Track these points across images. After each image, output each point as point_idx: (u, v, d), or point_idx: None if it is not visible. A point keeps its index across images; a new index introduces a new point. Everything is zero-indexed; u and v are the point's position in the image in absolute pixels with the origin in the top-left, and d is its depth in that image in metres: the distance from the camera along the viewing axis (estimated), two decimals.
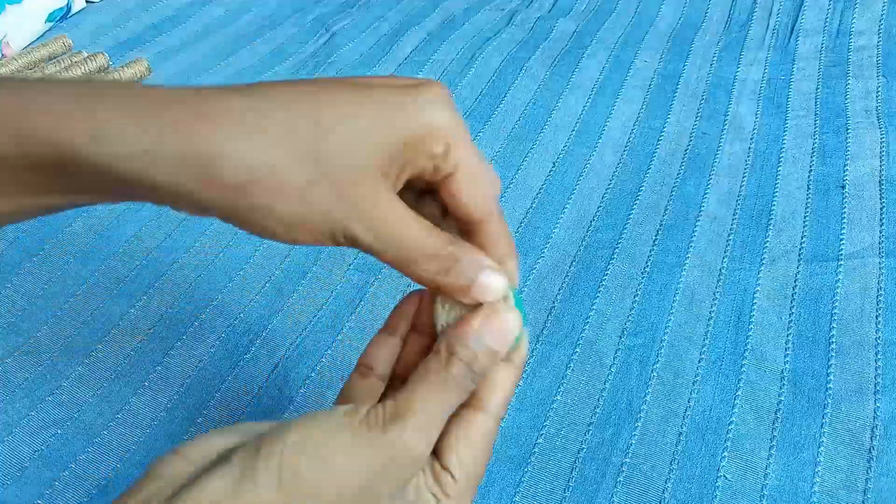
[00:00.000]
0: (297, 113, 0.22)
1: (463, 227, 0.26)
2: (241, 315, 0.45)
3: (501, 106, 0.63)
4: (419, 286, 0.26)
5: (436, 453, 0.25)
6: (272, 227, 0.23)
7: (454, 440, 0.25)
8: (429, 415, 0.23)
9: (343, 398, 0.29)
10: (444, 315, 0.26)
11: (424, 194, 0.27)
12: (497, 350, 0.25)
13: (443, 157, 0.24)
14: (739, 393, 0.40)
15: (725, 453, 0.38)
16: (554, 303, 0.46)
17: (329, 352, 0.43)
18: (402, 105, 0.23)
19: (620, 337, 0.43)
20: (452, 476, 0.25)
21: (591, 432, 0.39)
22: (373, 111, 0.23)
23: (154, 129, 0.21)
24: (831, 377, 0.41)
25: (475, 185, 0.25)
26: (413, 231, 0.24)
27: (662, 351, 0.43)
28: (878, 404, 0.39)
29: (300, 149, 0.22)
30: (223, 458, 0.22)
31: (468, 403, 0.26)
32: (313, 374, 0.42)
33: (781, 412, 0.39)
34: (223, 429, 0.24)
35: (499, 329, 0.25)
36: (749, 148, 0.57)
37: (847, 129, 0.58)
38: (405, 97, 0.23)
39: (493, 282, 0.25)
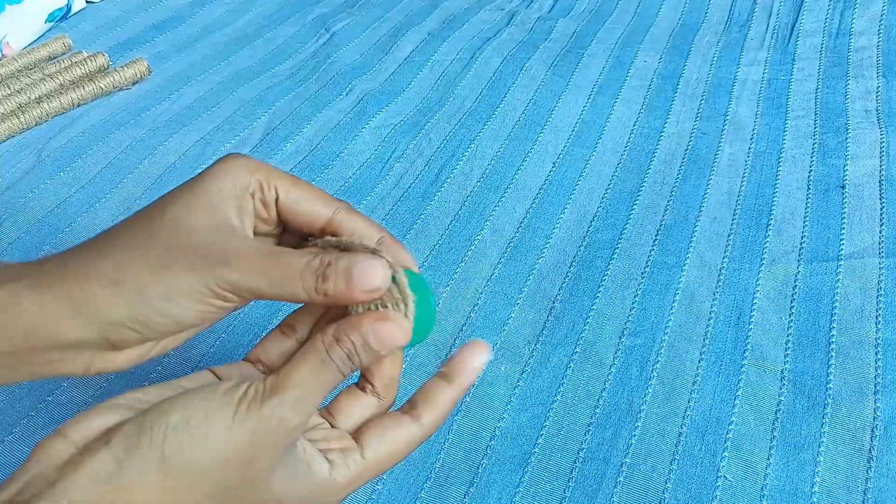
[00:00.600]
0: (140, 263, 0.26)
1: (321, 231, 0.28)
2: (242, 315, 0.45)
3: (501, 106, 0.63)
4: None
5: (358, 432, 0.27)
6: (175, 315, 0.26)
7: (381, 430, 0.27)
8: (305, 390, 0.24)
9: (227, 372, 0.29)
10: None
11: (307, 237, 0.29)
12: (378, 350, 0.26)
13: (261, 192, 0.27)
14: (739, 393, 0.40)
15: (725, 453, 0.38)
16: (554, 303, 0.46)
17: None
18: (217, 187, 0.26)
19: (620, 337, 0.43)
20: (362, 455, 0.26)
21: (591, 432, 0.39)
22: (189, 200, 0.26)
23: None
24: (831, 377, 0.41)
25: (302, 199, 0.27)
26: (275, 258, 0.26)
27: (662, 351, 0.43)
28: (878, 404, 0.39)
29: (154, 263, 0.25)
30: (104, 438, 0.23)
31: (407, 411, 0.28)
32: None
33: (781, 412, 0.39)
34: (104, 404, 0.24)
35: (383, 335, 0.25)
36: (749, 148, 0.57)
37: (847, 129, 0.58)
38: (203, 177, 0.27)
39: (369, 267, 0.25)
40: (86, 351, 0.26)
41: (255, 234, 0.28)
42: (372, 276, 0.25)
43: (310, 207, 0.27)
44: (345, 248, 0.26)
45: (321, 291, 0.25)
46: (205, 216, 0.26)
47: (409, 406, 0.28)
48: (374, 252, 0.26)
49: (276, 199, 0.27)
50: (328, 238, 0.27)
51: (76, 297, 0.25)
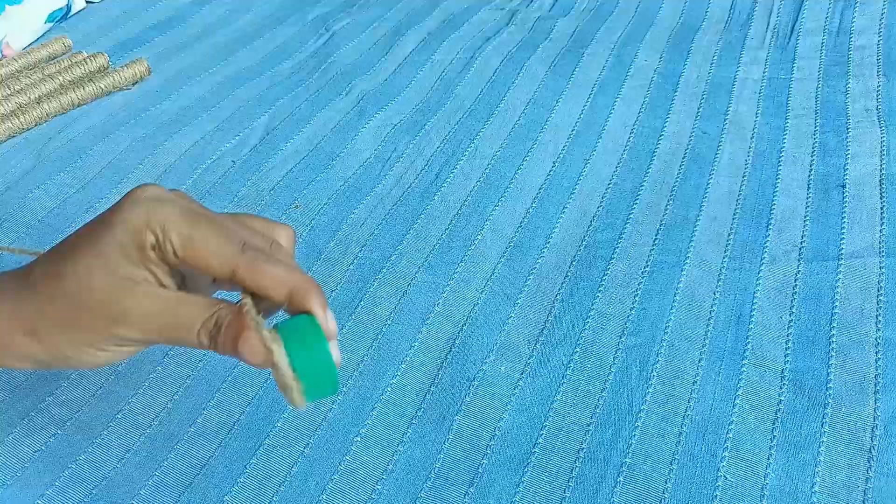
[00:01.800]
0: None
1: (224, 278, 0.28)
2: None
3: (501, 106, 0.63)
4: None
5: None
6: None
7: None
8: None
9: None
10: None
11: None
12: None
13: (161, 242, 0.27)
14: (739, 393, 0.40)
15: (725, 453, 0.38)
16: (554, 303, 0.46)
17: None
18: (105, 233, 0.27)
19: (620, 337, 0.43)
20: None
21: (591, 432, 0.39)
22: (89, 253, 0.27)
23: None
24: (831, 377, 0.41)
25: (200, 253, 0.27)
26: (171, 314, 0.27)
27: (662, 351, 0.42)
28: (878, 404, 0.39)
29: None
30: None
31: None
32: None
33: (781, 412, 0.39)
34: None
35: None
36: (749, 148, 0.57)
37: (847, 129, 0.58)
38: (106, 228, 0.27)
39: (250, 345, 0.26)
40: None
41: (171, 275, 0.28)
42: (253, 353, 0.26)
43: (207, 263, 0.27)
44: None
45: (213, 347, 0.27)
46: (104, 274, 0.27)
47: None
48: (265, 326, 0.26)
49: (174, 251, 0.27)
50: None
51: (3, 340, 0.28)
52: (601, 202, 0.53)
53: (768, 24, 0.73)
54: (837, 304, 0.45)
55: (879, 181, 0.53)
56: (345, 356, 0.43)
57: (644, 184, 0.54)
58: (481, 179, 0.55)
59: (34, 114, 0.61)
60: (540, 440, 0.39)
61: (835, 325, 0.43)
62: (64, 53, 0.70)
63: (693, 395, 0.40)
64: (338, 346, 0.28)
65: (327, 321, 0.27)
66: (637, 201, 0.53)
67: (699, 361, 0.42)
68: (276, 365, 0.26)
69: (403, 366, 0.42)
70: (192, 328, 0.27)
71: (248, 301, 0.26)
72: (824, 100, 0.62)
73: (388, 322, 0.44)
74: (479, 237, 0.50)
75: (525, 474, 0.37)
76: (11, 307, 0.28)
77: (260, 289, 0.27)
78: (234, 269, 0.27)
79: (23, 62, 0.66)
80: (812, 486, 0.36)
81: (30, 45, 0.70)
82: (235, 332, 0.26)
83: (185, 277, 0.30)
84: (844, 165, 0.55)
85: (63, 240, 0.29)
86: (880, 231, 0.49)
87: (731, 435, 0.38)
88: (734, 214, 0.51)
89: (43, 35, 0.72)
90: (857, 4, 0.73)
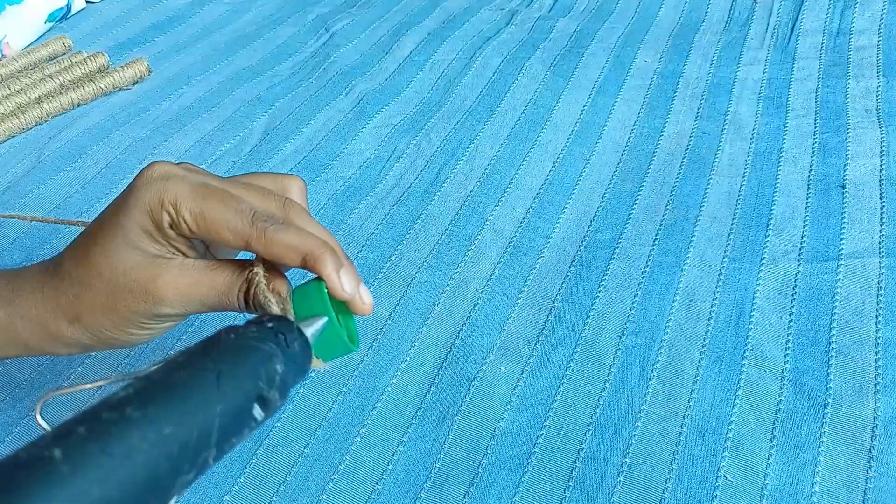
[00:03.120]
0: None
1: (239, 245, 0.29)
2: (241, 315, 0.45)
3: (501, 106, 0.63)
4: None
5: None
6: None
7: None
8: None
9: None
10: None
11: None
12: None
13: (175, 218, 0.27)
14: (739, 393, 0.40)
15: (725, 453, 0.38)
16: (554, 303, 0.46)
17: None
18: (126, 219, 0.28)
19: (620, 337, 0.43)
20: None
21: (591, 432, 0.39)
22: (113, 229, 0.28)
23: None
24: (831, 377, 0.41)
25: (212, 227, 0.27)
26: (204, 283, 0.28)
27: (662, 351, 0.42)
28: (878, 404, 0.39)
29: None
30: None
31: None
32: (313, 374, 0.42)
33: (781, 412, 0.39)
34: None
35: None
36: (749, 148, 0.57)
37: (847, 129, 0.58)
38: (124, 210, 0.28)
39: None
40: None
41: (195, 246, 0.29)
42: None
43: (220, 237, 0.27)
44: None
45: (250, 310, 0.28)
46: (135, 255, 0.28)
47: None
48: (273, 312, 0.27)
49: (189, 226, 0.27)
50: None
51: (50, 330, 0.29)
52: (601, 202, 0.53)
53: (768, 24, 0.73)
54: (837, 304, 0.45)
55: (879, 181, 0.53)
56: (345, 356, 0.43)
57: (644, 184, 0.54)
58: (481, 179, 0.55)
59: (34, 114, 0.61)
60: (540, 440, 0.39)
61: (835, 325, 0.43)
62: (64, 53, 0.70)
63: (693, 395, 0.40)
64: (369, 296, 0.28)
65: (342, 283, 0.27)
66: (637, 201, 0.53)
67: (699, 361, 0.42)
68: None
69: (403, 366, 0.42)
70: (231, 294, 0.28)
71: (259, 271, 0.27)
72: (824, 100, 0.62)
73: (388, 322, 0.45)
74: (479, 237, 0.50)
75: (525, 474, 0.37)
76: (52, 297, 0.29)
77: (274, 258, 0.27)
78: (248, 242, 0.27)
79: (23, 62, 0.66)
80: (812, 486, 0.36)
81: (30, 45, 0.70)
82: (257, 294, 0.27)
83: (207, 245, 0.31)
84: (844, 165, 0.55)
85: (85, 229, 0.30)
86: (880, 231, 0.49)
87: (731, 435, 0.38)
88: (734, 214, 0.51)
89: (43, 35, 0.72)
90: (857, 5, 0.73)
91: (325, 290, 0.27)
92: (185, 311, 0.28)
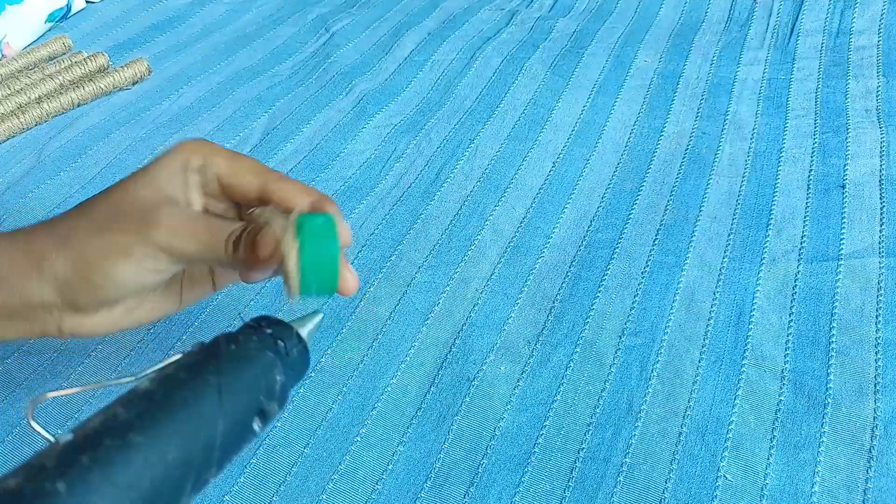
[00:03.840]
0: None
1: (258, 201, 0.31)
2: (242, 315, 0.45)
3: (501, 106, 0.63)
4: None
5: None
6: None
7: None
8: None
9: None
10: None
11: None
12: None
13: (203, 168, 0.31)
14: (739, 393, 0.40)
15: (725, 453, 0.38)
16: (554, 303, 0.46)
17: (329, 352, 0.43)
18: (162, 160, 0.31)
19: (620, 337, 0.43)
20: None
21: (591, 432, 0.39)
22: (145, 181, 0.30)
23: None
24: (831, 377, 0.41)
25: (236, 172, 0.31)
26: (203, 225, 0.29)
27: (662, 351, 0.42)
28: (878, 404, 0.39)
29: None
30: None
31: None
32: (313, 374, 0.42)
33: (781, 412, 0.39)
34: None
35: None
36: (749, 148, 0.57)
37: (847, 129, 0.58)
38: (163, 157, 0.31)
39: (263, 243, 0.28)
40: (54, 311, 0.30)
41: (208, 211, 0.32)
42: (264, 246, 0.28)
43: (242, 179, 0.31)
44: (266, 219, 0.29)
45: (236, 257, 0.28)
46: (149, 190, 0.30)
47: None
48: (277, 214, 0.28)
49: (217, 175, 0.31)
50: (255, 210, 0.31)
51: (35, 250, 0.29)
52: (601, 202, 0.53)
53: (768, 24, 0.73)
54: (837, 304, 0.45)
55: (879, 181, 0.53)
56: (345, 356, 0.43)
57: (644, 184, 0.54)
58: (481, 179, 0.55)
59: (34, 114, 0.61)
60: (540, 440, 0.39)
61: (835, 325, 0.43)
62: (64, 53, 0.70)
63: (693, 395, 0.40)
64: (355, 277, 0.30)
65: (344, 226, 0.30)
66: (637, 201, 0.53)
67: (699, 361, 0.42)
68: (285, 251, 0.27)
69: (403, 366, 0.42)
70: (221, 239, 0.29)
71: (265, 208, 0.30)
72: (824, 100, 0.62)
73: (388, 322, 0.45)
74: (479, 237, 0.50)
75: (525, 474, 0.37)
76: (49, 224, 0.30)
77: (285, 199, 0.30)
78: (265, 183, 0.30)
79: (23, 62, 0.66)
80: (812, 486, 0.36)
81: (30, 45, 0.70)
82: (254, 234, 0.28)
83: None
84: (844, 165, 0.55)
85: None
86: (880, 231, 0.49)
87: (731, 435, 0.38)
88: (734, 214, 0.51)
89: (43, 35, 0.72)
90: (857, 5, 0.73)
91: (335, 225, 0.28)
92: (177, 249, 0.29)
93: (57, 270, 0.29)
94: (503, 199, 0.53)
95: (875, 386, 0.40)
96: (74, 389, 0.26)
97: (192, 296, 0.35)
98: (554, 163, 0.57)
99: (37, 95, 0.62)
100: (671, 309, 0.45)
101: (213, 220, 0.30)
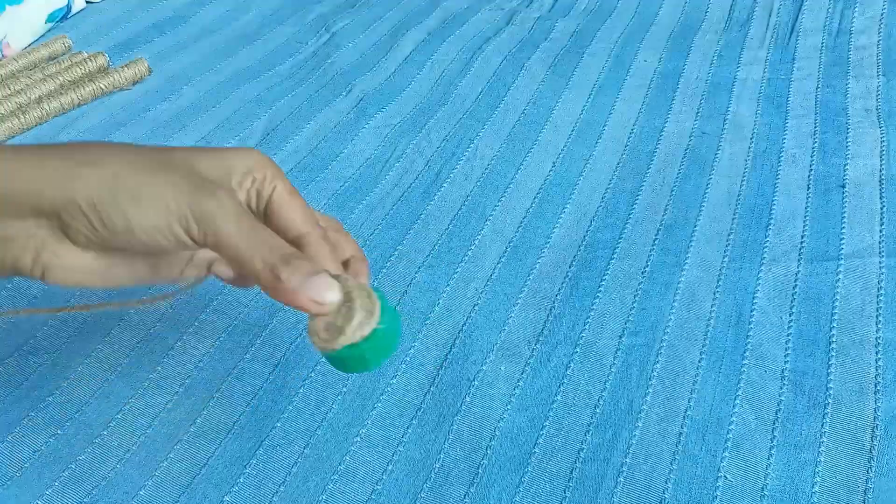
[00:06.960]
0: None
1: (291, 243, 0.29)
2: (241, 315, 0.45)
3: (501, 106, 0.63)
4: None
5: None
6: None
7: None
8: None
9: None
10: None
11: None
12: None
13: (262, 182, 0.30)
14: (739, 393, 0.40)
15: (726, 453, 0.38)
16: (554, 303, 0.46)
17: None
18: (233, 152, 0.30)
19: (620, 337, 0.43)
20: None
21: (591, 433, 0.39)
22: (216, 159, 0.29)
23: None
24: (831, 377, 0.41)
25: (290, 206, 0.30)
26: (255, 221, 0.28)
27: (662, 351, 0.42)
28: (878, 404, 0.39)
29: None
30: None
31: None
32: (313, 375, 0.42)
33: (782, 412, 0.39)
34: None
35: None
36: (749, 148, 0.57)
37: (847, 129, 0.58)
38: (234, 150, 0.30)
39: (324, 282, 0.27)
40: (38, 231, 0.27)
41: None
42: (323, 289, 0.27)
43: (291, 214, 0.30)
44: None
45: (276, 272, 0.26)
46: (211, 166, 0.28)
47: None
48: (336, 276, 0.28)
49: (270, 197, 0.30)
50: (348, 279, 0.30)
51: (50, 163, 0.26)
52: (601, 202, 0.53)
53: (768, 24, 0.73)
54: (837, 304, 0.45)
55: (879, 181, 0.53)
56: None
57: (644, 184, 0.54)
58: (481, 179, 0.55)
59: (34, 114, 0.61)
60: (540, 440, 0.39)
61: (835, 325, 0.43)
62: (64, 53, 0.70)
63: (693, 395, 0.40)
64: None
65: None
66: (637, 201, 0.53)
67: (699, 361, 0.42)
68: (364, 295, 0.27)
69: (403, 366, 0.42)
70: (269, 241, 0.27)
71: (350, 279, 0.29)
72: (824, 100, 0.62)
73: None
74: (479, 237, 0.50)
75: (525, 474, 0.37)
76: (91, 144, 0.28)
77: (321, 255, 0.30)
78: (309, 234, 0.30)
79: (23, 62, 0.66)
80: (812, 486, 0.36)
81: (30, 45, 0.70)
82: (313, 267, 0.27)
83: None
84: (844, 165, 0.55)
85: None
86: (880, 231, 0.49)
87: (731, 435, 0.38)
88: (734, 214, 0.51)
89: (43, 35, 0.72)
90: (857, 4, 0.73)
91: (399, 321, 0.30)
92: (217, 227, 0.26)
93: (71, 185, 0.26)
94: (503, 199, 0.53)
95: (875, 386, 0.40)
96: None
97: (168, 274, 0.32)
98: (554, 163, 0.57)
99: (37, 95, 0.62)
100: (671, 309, 0.45)
101: (274, 235, 0.28)
